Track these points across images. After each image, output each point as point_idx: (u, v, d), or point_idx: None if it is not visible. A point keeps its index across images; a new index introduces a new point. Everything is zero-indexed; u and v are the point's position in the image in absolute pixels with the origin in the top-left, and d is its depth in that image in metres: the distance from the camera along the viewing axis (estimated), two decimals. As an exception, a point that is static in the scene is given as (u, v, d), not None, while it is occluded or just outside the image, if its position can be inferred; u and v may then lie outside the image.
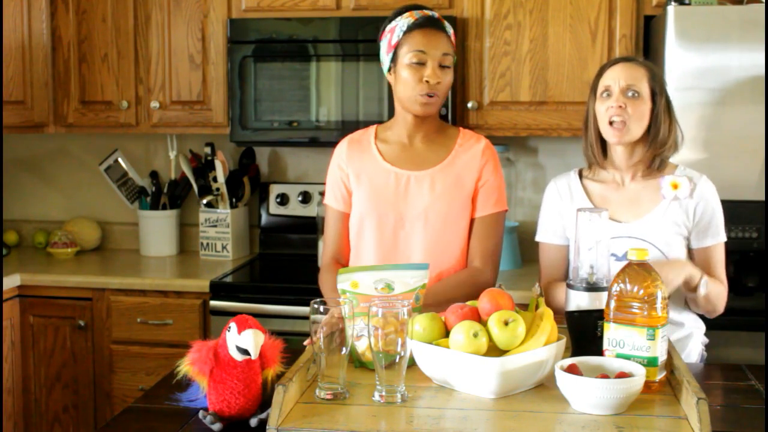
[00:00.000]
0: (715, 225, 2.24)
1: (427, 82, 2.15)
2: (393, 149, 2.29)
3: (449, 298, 2.06)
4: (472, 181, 2.25)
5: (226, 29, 3.30)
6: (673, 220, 2.20)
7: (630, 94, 2.16)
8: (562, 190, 2.31)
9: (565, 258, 2.33)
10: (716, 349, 2.46)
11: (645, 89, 2.17)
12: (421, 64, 2.17)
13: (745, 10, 2.72)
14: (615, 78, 2.18)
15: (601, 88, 2.21)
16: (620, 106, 2.15)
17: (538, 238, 2.37)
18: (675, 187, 2.20)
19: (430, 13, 2.22)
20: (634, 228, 2.19)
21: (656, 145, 2.19)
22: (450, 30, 2.23)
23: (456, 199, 2.24)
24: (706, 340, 2.32)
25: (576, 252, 1.91)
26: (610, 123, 2.17)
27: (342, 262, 2.32)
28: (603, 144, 2.25)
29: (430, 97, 2.18)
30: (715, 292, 2.19)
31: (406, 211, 2.24)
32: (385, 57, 2.24)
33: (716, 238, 2.24)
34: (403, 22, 2.20)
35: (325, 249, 2.35)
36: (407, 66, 2.18)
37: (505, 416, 1.61)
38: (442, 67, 2.18)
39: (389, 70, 2.24)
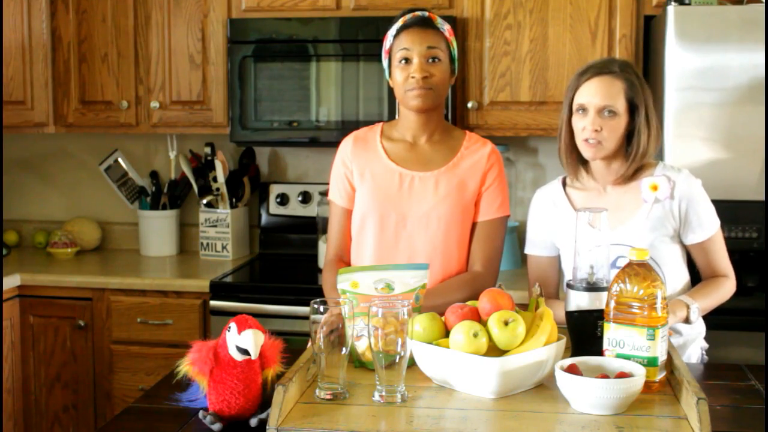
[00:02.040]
0: (704, 218, 2.18)
1: (413, 77, 2.17)
2: (398, 148, 2.29)
3: (448, 301, 2.06)
4: (476, 185, 2.25)
5: (226, 29, 3.30)
6: (658, 223, 2.16)
7: (606, 113, 2.11)
8: (546, 201, 2.30)
9: (554, 269, 2.32)
10: (716, 349, 2.46)
11: (621, 105, 2.11)
12: (408, 61, 2.18)
13: (745, 10, 2.72)
14: (591, 95, 2.12)
15: (576, 104, 2.16)
16: (596, 130, 2.11)
17: (526, 251, 2.36)
18: (654, 188, 2.15)
19: (420, 13, 2.22)
20: (619, 235, 2.15)
21: (637, 159, 2.15)
22: (444, 27, 2.22)
23: (459, 202, 2.23)
24: (706, 345, 2.31)
25: (576, 252, 1.91)
26: (585, 140, 2.13)
27: (345, 259, 2.32)
28: (577, 153, 2.21)
29: (422, 89, 2.17)
30: (717, 298, 2.18)
31: (409, 212, 2.23)
32: (383, 63, 2.27)
33: (709, 230, 2.19)
34: (393, 28, 2.22)
35: (329, 246, 2.34)
36: (397, 66, 2.20)
37: (505, 416, 1.61)
38: (431, 61, 2.18)
39: (389, 74, 2.26)
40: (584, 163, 2.23)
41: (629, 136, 2.15)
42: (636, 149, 2.15)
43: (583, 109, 2.14)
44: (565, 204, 2.25)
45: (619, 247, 2.11)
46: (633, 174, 2.19)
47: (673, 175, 2.18)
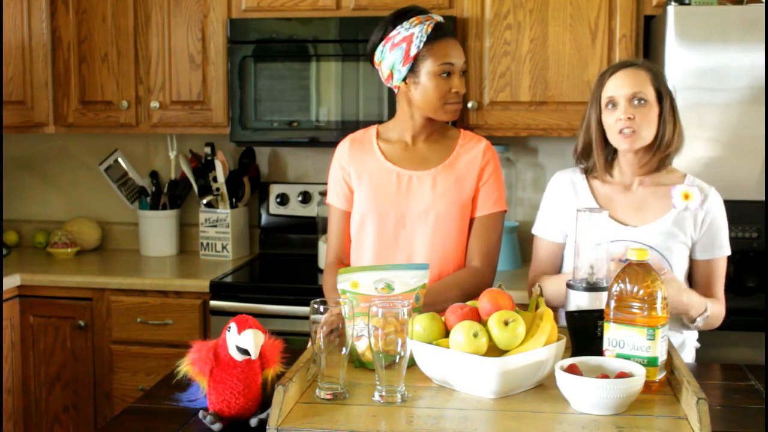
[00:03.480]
0: (722, 238, 2.23)
1: (456, 92, 2.20)
2: (395, 149, 2.30)
3: (447, 297, 2.07)
4: (473, 181, 2.26)
5: (226, 29, 3.30)
6: (680, 230, 2.19)
7: (636, 102, 2.12)
8: (567, 187, 2.29)
9: (559, 255, 2.32)
10: (715, 349, 2.46)
11: (651, 94, 2.13)
12: (449, 75, 2.19)
13: (745, 10, 2.72)
14: (619, 86, 2.14)
15: (604, 99, 2.17)
16: (629, 118, 2.11)
17: (535, 231, 2.34)
18: (686, 197, 2.18)
19: (438, 18, 2.23)
20: (640, 233, 2.18)
21: (662, 148, 2.17)
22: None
23: (457, 199, 2.24)
24: (698, 345, 2.33)
25: (576, 252, 1.91)
26: (620, 132, 2.13)
27: (346, 262, 2.33)
28: (606, 152, 2.23)
29: (459, 104, 2.23)
30: (714, 314, 2.19)
31: (408, 211, 2.24)
32: (399, 67, 2.20)
33: (720, 251, 2.23)
34: (419, 31, 2.18)
35: (329, 249, 2.35)
36: (435, 76, 2.18)
37: (505, 416, 1.61)
38: (461, 75, 2.23)
39: (404, 78, 2.21)
40: (609, 161, 2.24)
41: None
42: (661, 138, 2.16)
43: (613, 103, 2.15)
44: (587, 194, 2.26)
45: (635, 245, 2.11)
46: (657, 167, 2.20)
47: (705, 188, 2.22)
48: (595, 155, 2.22)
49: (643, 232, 2.18)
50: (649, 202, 2.22)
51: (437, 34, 2.19)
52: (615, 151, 2.24)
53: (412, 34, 2.18)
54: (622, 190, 2.24)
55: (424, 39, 2.18)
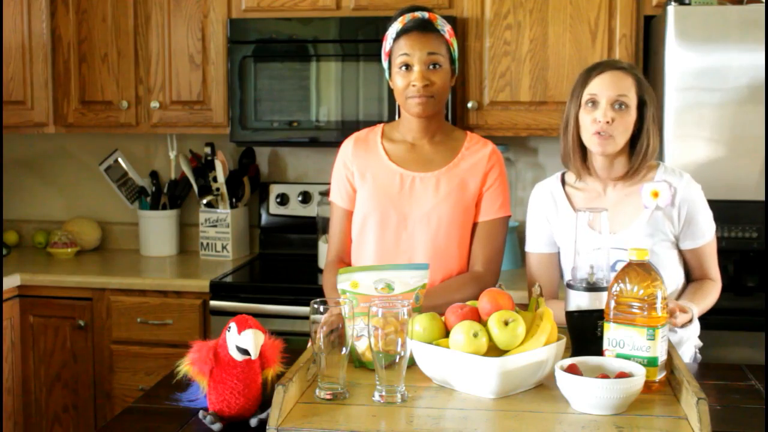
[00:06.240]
0: (703, 225, 2.19)
1: (414, 85, 2.15)
2: (399, 149, 2.29)
3: (449, 301, 2.06)
4: (477, 185, 2.25)
5: (226, 29, 3.30)
6: (658, 229, 2.16)
7: (617, 106, 2.08)
8: (546, 197, 2.27)
9: (555, 266, 2.30)
10: (715, 349, 2.46)
11: (633, 99, 2.10)
12: (408, 67, 2.17)
13: (745, 10, 2.72)
14: (602, 87, 2.10)
15: (586, 96, 2.12)
16: (608, 122, 2.07)
17: (526, 248, 2.33)
18: (655, 195, 2.14)
19: (420, 15, 2.19)
20: (618, 239, 2.13)
21: (644, 158, 2.14)
22: (444, 27, 2.20)
23: (460, 202, 2.23)
24: (699, 343, 2.31)
25: (576, 252, 1.91)
26: (596, 133, 2.09)
27: (346, 260, 2.32)
28: (582, 151, 2.19)
29: (423, 98, 2.16)
30: (710, 302, 2.20)
31: (410, 212, 2.23)
32: (383, 64, 2.26)
33: (706, 237, 2.20)
34: (393, 30, 2.20)
35: (330, 247, 2.34)
36: (397, 72, 2.19)
37: (505, 416, 1.61)
38: (432, 67, 2.17)
39: (389, 76, 2.25)
40: (585, 161, 2.20)
41: (634, 134, 2.14)
42: (645, 146, 2.13)
43: (593, 102, 2.11)
44: (565, 203, 2.24)
45: (619, 251, 2.09)
46: (635, 177, 2.18)
47: (674, 181, 2.17)
48: (571, 155, 2.19)
49: (622, 238, 2.14)
50: (623, 205, 2.18)
51: (404, 30, 2.18)
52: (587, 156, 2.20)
53: (388, 33, 2.22)
54: (596, 196, 2.21)
55: (394, 36, 2.19)
